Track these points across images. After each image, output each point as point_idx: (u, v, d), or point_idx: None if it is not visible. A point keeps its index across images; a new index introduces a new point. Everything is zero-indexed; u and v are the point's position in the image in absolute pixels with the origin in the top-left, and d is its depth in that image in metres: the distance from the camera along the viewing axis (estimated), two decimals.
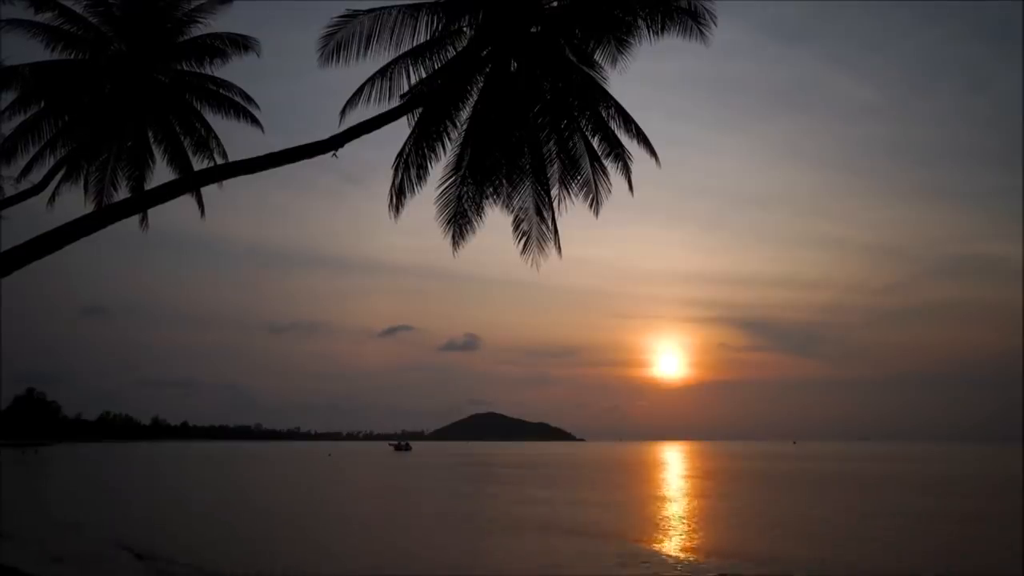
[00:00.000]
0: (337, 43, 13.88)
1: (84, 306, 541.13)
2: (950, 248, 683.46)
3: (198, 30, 18.70)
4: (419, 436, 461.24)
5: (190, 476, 66.29)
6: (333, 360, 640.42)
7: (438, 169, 15.49)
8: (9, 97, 18.26)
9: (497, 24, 14.21)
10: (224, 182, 16.15)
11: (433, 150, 15.28)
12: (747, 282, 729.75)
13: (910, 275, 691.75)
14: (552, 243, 16.07)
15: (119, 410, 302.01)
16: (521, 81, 14.90)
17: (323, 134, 13.11)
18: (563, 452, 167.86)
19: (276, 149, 13.02)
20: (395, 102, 14.46)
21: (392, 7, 14.02)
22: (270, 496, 44.11)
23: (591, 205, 15.80)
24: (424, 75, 14.69)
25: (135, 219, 19.71)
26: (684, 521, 29.82)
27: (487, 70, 14.93)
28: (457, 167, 15.49)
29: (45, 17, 17.75)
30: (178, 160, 19.61)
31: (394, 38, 14.13)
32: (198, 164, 19.66)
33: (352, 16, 13.89)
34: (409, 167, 15.19)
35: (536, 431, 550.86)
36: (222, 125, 19.63)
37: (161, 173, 19.74)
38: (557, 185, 15.76)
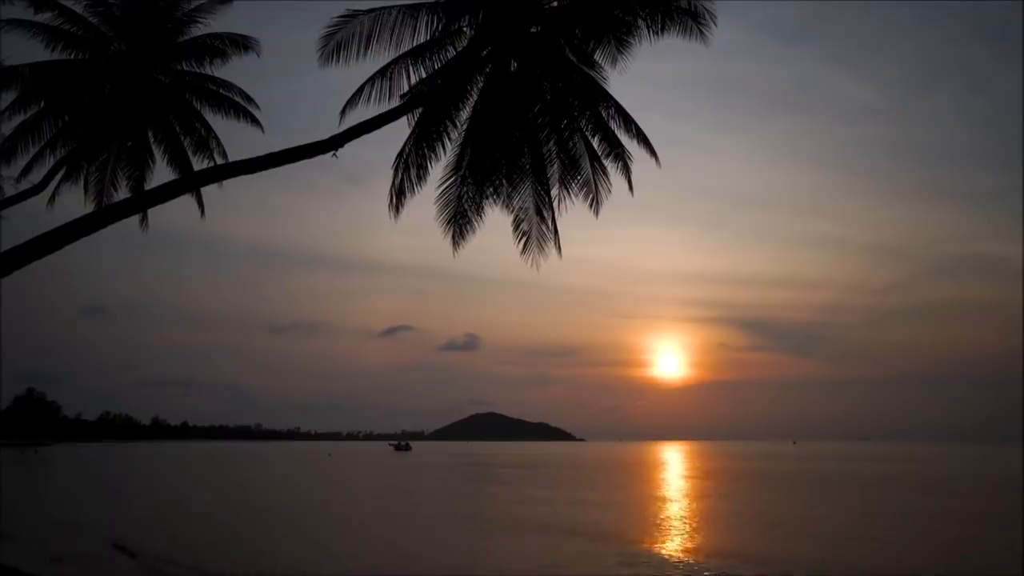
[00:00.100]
0: (337, 43, 13.88)
1: (84, 306, 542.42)
2: (950, 248, 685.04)
3: (198, 30, 18.72)
4: (419, 436, 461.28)
5: (190, 476, 66.28)
6: (333, 360, 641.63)
7: (438, 169, 15.51)
8: (9, 97, 18.28)
9: (497, 24, 14.21)
10: (224, 182, 16.15)
11: (433, 150, 15.28)
12: (747, 282, 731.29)
13: (910, 275, 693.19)
14: (552, 243, 16.08)
15: (119, 410, 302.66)
16: (521, 81, 14.90)
17: (323, 134, 13.13)
18: (563, 452, 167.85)
19: (276, 149, 13.02)
20: (395, 102, 14.46)
21: (392, 7, 14.01)
22: (270, 496, 44.10)
23: (591, 205, 15.81)
24: (424, 75, 14.69)
25: (135, 219, 19.72)
26: (684, 521, 29.82)
27: (487, 70, 14.93)
28: (457, 167, 15.49)
29: (45, 17, 17.75)
30: (178, 160, 19.61)
31: (394, 38, 14.13)
32: (198, 164, 19.67)
33: (352, 16, 13.89)
34: (409, 167, 15.19)
35: (536, 431, 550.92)
36: (222, 125, 19.66)
37: (161, 173, 19.77)
38: (557, 185, 15.76)
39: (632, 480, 61.09)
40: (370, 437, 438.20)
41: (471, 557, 21.61)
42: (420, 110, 14.88)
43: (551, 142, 15.46)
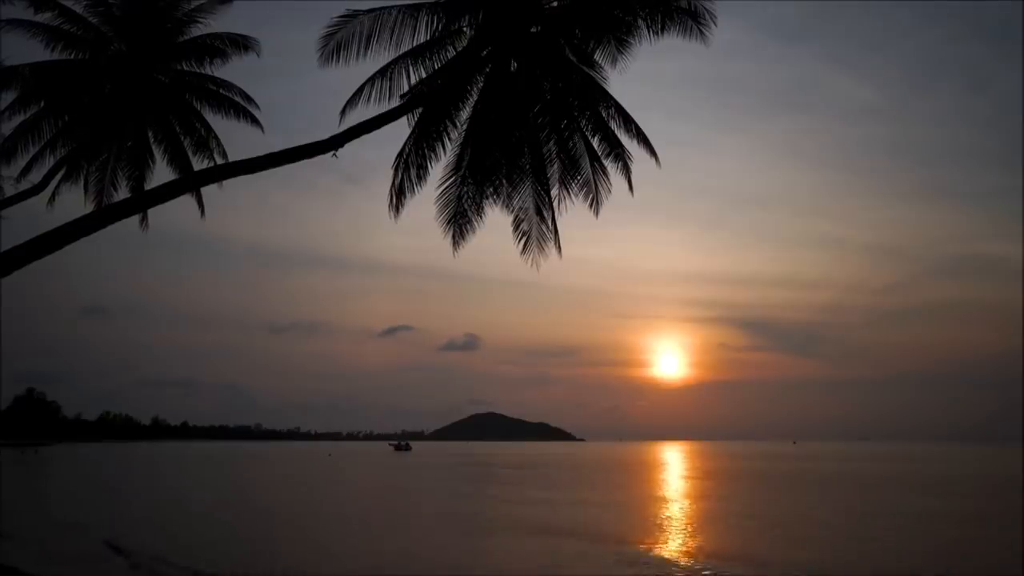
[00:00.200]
0: (337, 43, 13.89)
1: (84, 306, 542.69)
2: (950, 248, 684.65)
3: (198, 30, 18.73)
4: (419, 436, 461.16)
5: (190, 476, 66.28)
6: (333, 360, 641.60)
7: (438, 169, 15.53)
8: (9, 97, 18.30)
9: (497, 24, 14.21)
10: (224, 182, 16.16)
11: (433, 150, 15.28)
12: (747, 282, 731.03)
13: (910, 275, 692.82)
14: (552, 243, 16.09)
15: (119, 410, 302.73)
16: (521, 81, 14.90)
17: (323, 134, 13.14)
18: (563, 452, 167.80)
19: (276, 149, 13.04)
20: (395, 102, 14.47)
21: (392, 7, 14.02)
22: (270, 496, 44.10)
23: (591, 205, 15.82)
24: (424, 75, 14.70)
25: (135, 219, 19.73)
26: (684, 522, 29.81)
27: (487, 70, 14.93)
28: (457, 167, 15.50)
29: (45, 17, 17.77)
30: (178, 160, 19.62)
31: (394, 38, 14.14)
32: (198, 164, 19.68)
33: (352, 16, 13.90)
34: (409, 167, 15.19)
35: (536, 431, 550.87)
36: (222, 125, 19.68)
37: (161, 173, 19.79)
38: (557, 185, 15.77)
39: (632, 480, 61.08)
40: (370, 437, 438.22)
41: (471, 557, 21.60)
42: (420, 110, 14.89)
43: (551, 142, 15.46)
